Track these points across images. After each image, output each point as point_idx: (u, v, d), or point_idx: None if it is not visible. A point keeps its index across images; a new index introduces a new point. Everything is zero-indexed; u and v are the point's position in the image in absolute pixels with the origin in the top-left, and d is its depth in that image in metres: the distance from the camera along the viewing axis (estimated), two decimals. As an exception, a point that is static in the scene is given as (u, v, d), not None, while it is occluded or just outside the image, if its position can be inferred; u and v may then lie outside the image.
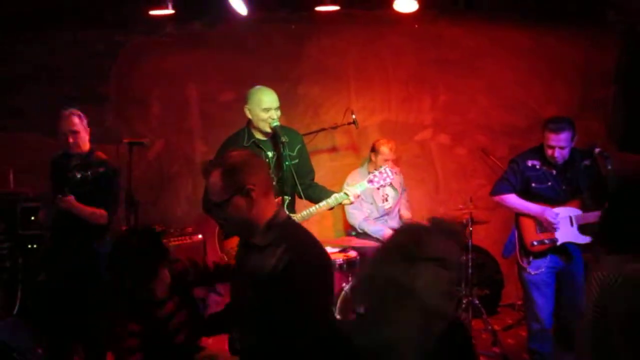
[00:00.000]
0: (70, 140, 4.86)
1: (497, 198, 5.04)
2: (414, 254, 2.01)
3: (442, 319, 2.03)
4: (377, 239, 5.94)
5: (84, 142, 4.98)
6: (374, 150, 6.11)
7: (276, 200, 4.63)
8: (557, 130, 4.71)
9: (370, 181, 4.89)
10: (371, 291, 2.05)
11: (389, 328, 2.00)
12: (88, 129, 4.99)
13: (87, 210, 4.64)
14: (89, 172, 4.72)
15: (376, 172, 4.93)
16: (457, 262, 2.19)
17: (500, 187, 5.02)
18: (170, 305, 3.46)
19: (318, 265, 2.75)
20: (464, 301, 5.76)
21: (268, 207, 2.79)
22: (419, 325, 1.99)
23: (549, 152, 4.77)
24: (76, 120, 4.97)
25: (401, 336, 1.99)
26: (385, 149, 6.04)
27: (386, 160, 5.98)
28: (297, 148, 4.83)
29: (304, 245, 2.79)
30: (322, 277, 2.74)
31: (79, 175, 4.70)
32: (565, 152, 4.75)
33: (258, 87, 4.75)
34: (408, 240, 2.08)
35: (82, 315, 4.56)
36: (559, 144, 4.71)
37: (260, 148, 4.73)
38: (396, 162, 6.21)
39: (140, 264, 3.33)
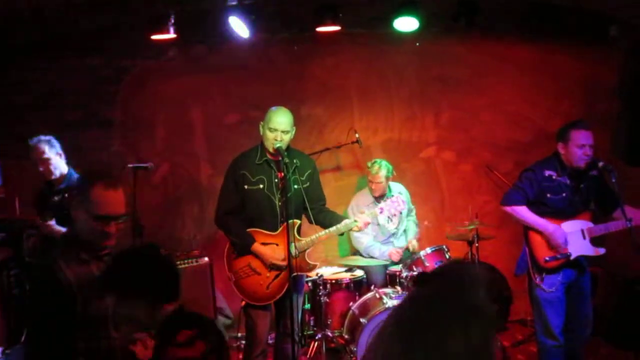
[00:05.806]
0: (41, 168, 4.88)
1: (508, 209, 4.76)
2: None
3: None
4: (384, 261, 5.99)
5: (57, 167, 4.99)
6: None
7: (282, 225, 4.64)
8: (587, 127, 4.65)
9: (381, 210, 4.84)
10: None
11: None
12: (62, 153, 5.00)
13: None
14: (67, 195, 4.70)
15: (387, 201, 4.88)
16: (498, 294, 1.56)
17: (513, 197, 4.76)
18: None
19: None
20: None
21: None
22: None
23: (579, 152, 4.60)
24: (44, 147, 4.98)
25: None
26: (369, 169, 6.03)
27: (371, 181, 5.99)
28: (307, 173, 4.81)
29: None
30: None
31: (56, 199, 4.70)
32: (592, 152, 4.64)
33: (276, 107, 4.74)
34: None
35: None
36: (589, 142, 4.61)
37: (271, 167, 4.73)
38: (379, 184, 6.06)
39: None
